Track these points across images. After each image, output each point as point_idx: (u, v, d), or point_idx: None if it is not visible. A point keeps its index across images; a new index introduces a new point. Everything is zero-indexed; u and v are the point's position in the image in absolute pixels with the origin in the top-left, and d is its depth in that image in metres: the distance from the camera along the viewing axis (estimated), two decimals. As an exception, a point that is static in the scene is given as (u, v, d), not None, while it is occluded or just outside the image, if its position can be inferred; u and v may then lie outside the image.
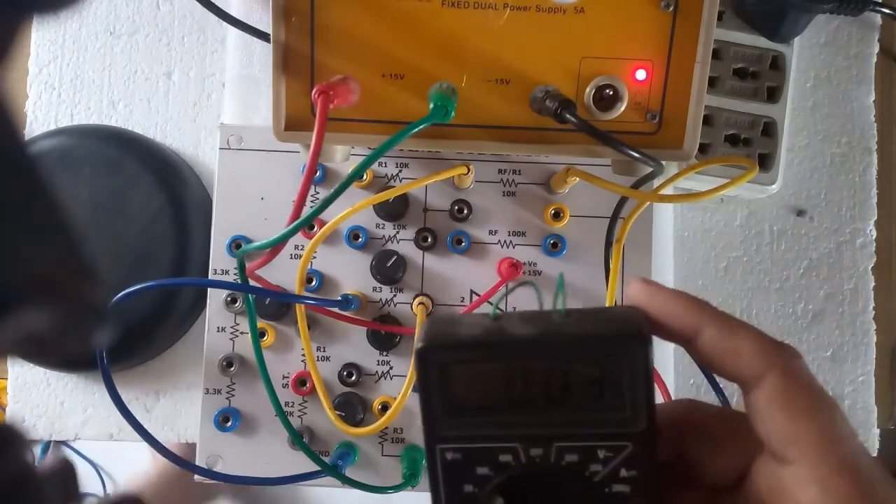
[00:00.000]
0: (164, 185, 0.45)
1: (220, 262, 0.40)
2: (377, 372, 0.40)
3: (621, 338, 0.21)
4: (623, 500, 0.22)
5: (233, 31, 0.44)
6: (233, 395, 0.40)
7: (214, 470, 0.39)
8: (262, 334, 0.40)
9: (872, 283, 0.48)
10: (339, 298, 0.39)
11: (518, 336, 0.21)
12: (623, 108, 0.32)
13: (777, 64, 0.45)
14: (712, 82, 0.44)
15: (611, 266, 0.37)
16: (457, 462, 0.22)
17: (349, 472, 0.37)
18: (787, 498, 0.21)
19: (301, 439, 0.37)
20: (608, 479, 0.22)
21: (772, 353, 0.21)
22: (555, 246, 0.40)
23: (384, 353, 0.40)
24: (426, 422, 0.22)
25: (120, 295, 0.35)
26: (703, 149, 0.45)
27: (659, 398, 0.32)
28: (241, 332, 0.40)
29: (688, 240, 0.48)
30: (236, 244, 0.40)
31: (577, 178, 0.37)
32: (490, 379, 0.22)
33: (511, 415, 0.22)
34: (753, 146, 0.45)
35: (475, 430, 0.22)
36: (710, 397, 0.42)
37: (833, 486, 0.20)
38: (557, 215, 0.40)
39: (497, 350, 0.22)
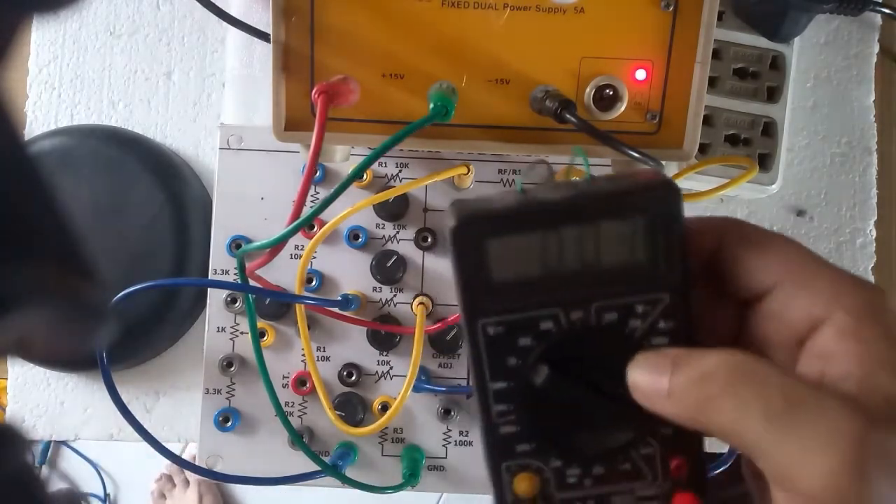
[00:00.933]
0: (164, 185, 0.45)
1: (220, 262, 0.40)
2: (377, 372, 0.40)
3: (652, 187, 0.22)
4: None
5: (233, 31, 0.44)
6: (233, 395, 0.40)
7: (214, 470, 0.39)
8: (262, 334, 0.40)
9: (872, 283, 0.48)
10: (339, 298, 0.39)
11: (549, 200, 0.21)
12: (623, 108, 0.32)
13: (777, 64, 0.45)
14: (712, 82, 0.44)
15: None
16: (499, 336, 0.22)
17: (349, 472, 0.37)
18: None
19: (301, 439, 0.37)
20: (647, 334, 0.22)
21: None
22: (555, 246, 0.40)
23: (384, 353, 0.40)
24: (465, 299, 0.22)
25: (120, 295, 0.35)
26: (703, 149, 0.45)
27: None
28: (241, 332, 0.40)
29: (688, 240, 0.48)
30: (236, 244, 0.40)
31: (578, 179, 0.37)
32: (526, 249, 0.22)
33: (549, 282, 0.22)
34: (753, 146, 0.45)
35: (515, 302, 0.22)
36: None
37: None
38: (557, 215, 0.40)
39: (531, 216, 0.21)
